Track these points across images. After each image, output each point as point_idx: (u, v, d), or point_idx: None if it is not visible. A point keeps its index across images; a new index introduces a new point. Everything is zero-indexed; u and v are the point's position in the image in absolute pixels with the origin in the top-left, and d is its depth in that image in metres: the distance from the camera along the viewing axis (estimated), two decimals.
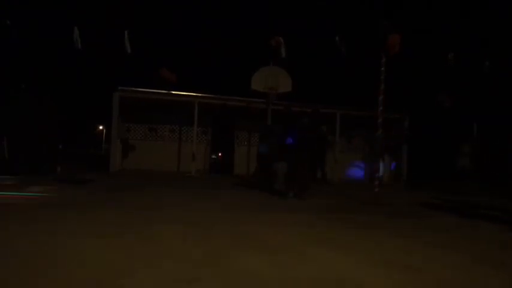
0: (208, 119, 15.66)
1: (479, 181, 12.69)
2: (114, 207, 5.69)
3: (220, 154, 16.10)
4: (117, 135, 13.94)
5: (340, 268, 3.12)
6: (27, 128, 10.17)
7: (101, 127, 52.69)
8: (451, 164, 13.33)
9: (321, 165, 12.95)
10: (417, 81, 17.42)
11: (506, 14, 17.30)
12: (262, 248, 3.61)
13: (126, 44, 11.77)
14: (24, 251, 3.14)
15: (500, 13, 17.74)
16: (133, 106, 14.84)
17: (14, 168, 9.57)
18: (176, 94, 13.96)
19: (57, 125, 11.53)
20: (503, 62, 14.41)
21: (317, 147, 10.73)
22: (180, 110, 15.07)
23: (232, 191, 8.85)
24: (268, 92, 13.11)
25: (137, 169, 14.84)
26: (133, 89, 13.68)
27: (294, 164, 7.80)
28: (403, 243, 4.16)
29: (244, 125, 16.33)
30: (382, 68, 8.22)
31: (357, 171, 16.26)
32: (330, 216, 5.79)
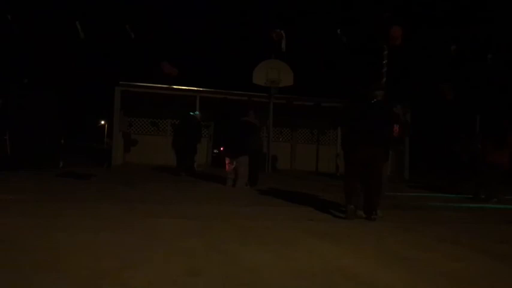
0: (210, 113, 15.64)
1: None
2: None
3: (222, 148, 16.08)
4: (119, 129, 13.96)
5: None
6: (29, 123, 10.18)
7: (102, 122, 52.71)
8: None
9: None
10: (419, 73, 17.35)
11: (508, 7, 17.17)
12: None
13: (130, 33, 11.75)
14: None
15: (502, 5, 17.61)
16: (135, 100, 14.83)
17: (16, 163, 9.58)
18: (177, 89, 13.94)
19: (60, 120, 11.53)
20: (505, 55, 14.32)
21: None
22: (182, 105, 15.06)
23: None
24: (270, 86, 13.06)
25: (140, 163, 14.84)
26: (135, 83, 13.67)
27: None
28: (411, 237, 4.18)
29: None
30: (385, 61, 8.19)
31: None
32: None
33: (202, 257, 3.03)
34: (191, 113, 10.94)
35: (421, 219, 5.37)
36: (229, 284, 2.49)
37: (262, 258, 3.08)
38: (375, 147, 4.88)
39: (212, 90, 14.22)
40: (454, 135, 11.86)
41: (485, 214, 6.26)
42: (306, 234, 4.00)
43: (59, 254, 2.95)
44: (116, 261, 2.82)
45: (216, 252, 3.19)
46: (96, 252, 3.04)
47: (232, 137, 8.31)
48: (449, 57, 13.12)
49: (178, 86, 13.93)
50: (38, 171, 9.28)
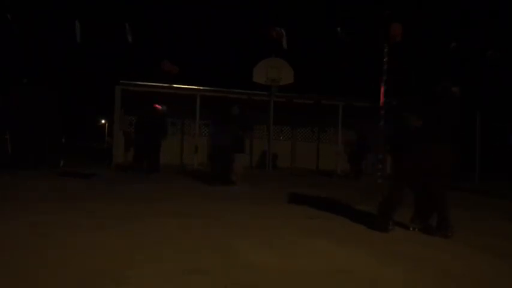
0: (211, 111, 15.64)
1: None
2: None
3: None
4: (119, 128, 13.97)
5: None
6: (29, 122, 10.19)
7: (103, 121, 52.79)
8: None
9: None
10: (419, 70, 17.30)
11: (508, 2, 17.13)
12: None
13: (128, 34, 11.75)
14: None
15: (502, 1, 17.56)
16: (136, 99, 14.83)
17: (17, 162, 9.59)
18: (178, 87, 13.94)
19: (60, 119, 11.54)
20: (506, 51, 14.28)
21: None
22: (182, 103, 15.05)
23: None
24: (270, 85, 13.04)
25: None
26: (135, 82, 13.67)
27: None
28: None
29: None
30: (385, 59, 8.18)
31: None
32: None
33: (203, 256, 3.03)
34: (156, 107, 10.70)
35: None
36: (231, 283, 2.49)
37: (264, 256, 3.08)
38: (444, 146, 4.09)
39: (212, 88, 14.21)
40: None
41: (487, 211, 6.25)
42: (306, 233, 3.99)
43: (58, 253, 2.95)
44: (116, 260, 2.82)
45: (217, 251, 3.19)
46: (96, 251, 3.03)
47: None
48: (449, 54, 13.09)
49: (179, 85, 13.93)
50: (38, 171, 9.29)
